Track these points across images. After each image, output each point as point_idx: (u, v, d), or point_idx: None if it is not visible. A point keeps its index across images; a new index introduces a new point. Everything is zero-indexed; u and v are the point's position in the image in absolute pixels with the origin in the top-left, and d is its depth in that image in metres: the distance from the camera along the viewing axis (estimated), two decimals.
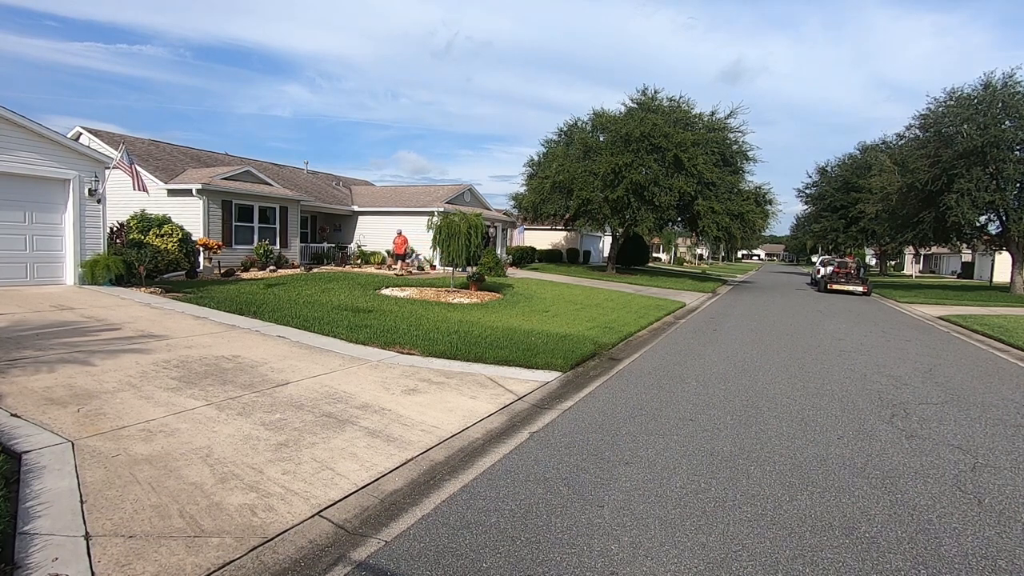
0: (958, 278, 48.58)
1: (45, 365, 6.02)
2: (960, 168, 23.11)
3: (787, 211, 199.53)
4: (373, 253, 24.76)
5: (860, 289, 25.81)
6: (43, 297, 10.29)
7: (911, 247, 40.98)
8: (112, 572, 2.75)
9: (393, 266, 21.66)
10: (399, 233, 21.61)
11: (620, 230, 31.02)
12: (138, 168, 14.20)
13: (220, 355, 7.09)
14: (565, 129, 31.82)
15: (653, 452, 4.73)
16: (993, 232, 27.12)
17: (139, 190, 14.08)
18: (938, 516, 3.73)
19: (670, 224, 32.80)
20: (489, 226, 27.02)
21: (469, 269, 19.74)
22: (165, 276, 15.09)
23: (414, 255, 24.67)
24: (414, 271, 22.51)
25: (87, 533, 3.06)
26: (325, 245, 24.75)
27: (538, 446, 4.81)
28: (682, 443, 4.98)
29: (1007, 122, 22.92)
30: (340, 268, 21.55)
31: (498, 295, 16.17)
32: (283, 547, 3.09)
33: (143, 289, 12.18)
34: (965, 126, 23.17)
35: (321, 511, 3.47)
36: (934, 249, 45.82)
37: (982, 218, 25.99)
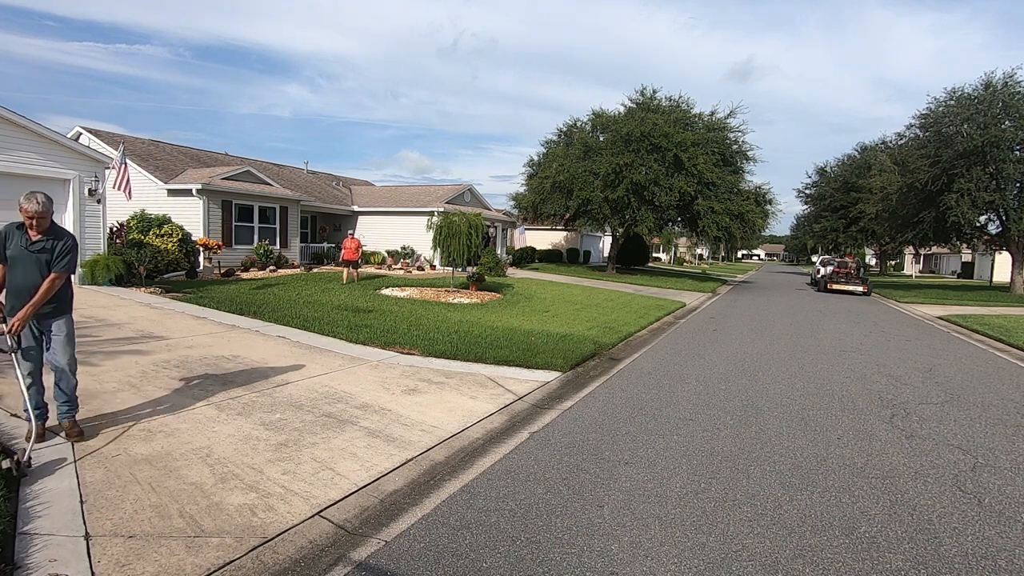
0: (958, 278, 48.57)
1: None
2: (960, 168, 23.10)
3: (787, 211, 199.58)
4: (373, 253, 24.76)
5: (860, 289, 25.80)
6: None
7: (911, 247, 40.99)
8: (112, 572, 2.75)
9: (351, 272, 16.87)
10: (350, 235, 17.87)
11: (620, 230, 31.01)
12: (131, 171, 14.08)
13: (220, 355, 7.09)
14: (565, 129, 31.78)
15: (653, 452, 4.73)
16: (993, 232, 27.10)
17: (121, 191, 13.87)
18: (938, 516, 3.73)
19: (670, 224, 32.76)
20: (489, 226, 27.01)
21: (469, 269, 19.75)
22: (165, 276, 15.09)
23: (414, 255, 24.68)
24: (413, 271, 22.50)
25: (87, 533, 3.06)
26: (325, 245, 24.77)
27: (538, 446, 4.81)
28: (682, 443, 4.98)
29: (1007, 122, 22.89)
30: (340, 268, 21.53)
31: (498, 295, 16.17)
32: (283, 547, 3.09)
33: (143, 289, 12.18)
34: (965, 126, 23.14)
35: (321, 511, 3.47)
36: (934, 249, 45.80)
37: (982, 218, 25.98)
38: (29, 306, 3.83)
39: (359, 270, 17.63)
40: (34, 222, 3.89)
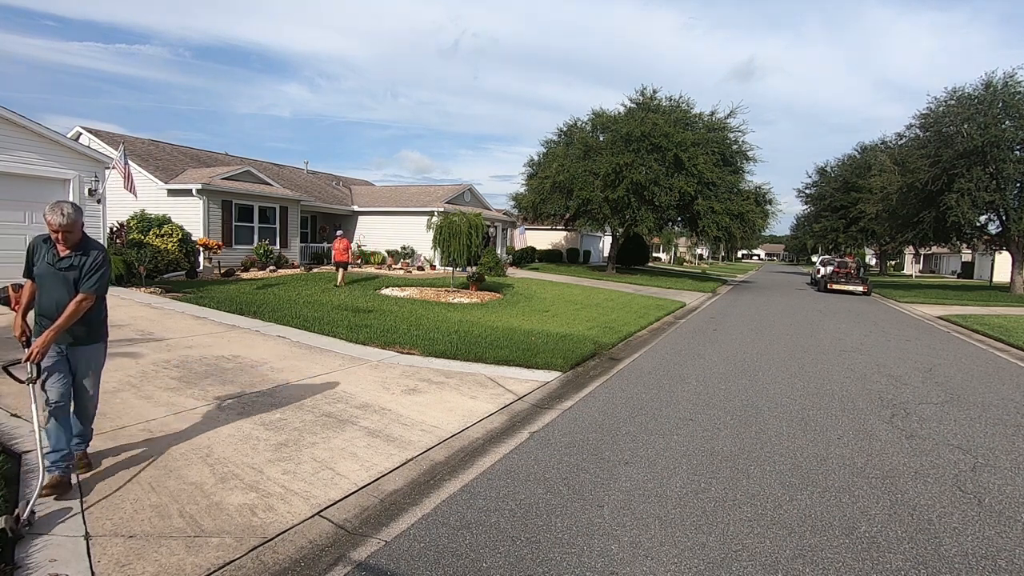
0: (958, 278, 48.56)
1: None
2: (960, 168, 23.09)
3: (787, 211, 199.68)
4: (373, 253, 24.78)
5: (860, 289, 25.79)
6: None
7: (911, 247, 40.97)
8: (112, 572, 2.75)
9: (339, 275, 16.14)
10: (339, 236, 17.00)
11: (620, 230, 31.00)
12: (132, 169, 14.26)
13: (220, 355, 7.09)
14: (565, 129, 31.78)
15: (653, 452, 4.73)
16: (993, 232, 27.08)
17: (129, 191, 14.10)
18: (938, 516, 3.73)
19: (670, 224, 32.77)
20: (489, 226, 27.00)
21: (469, 269, 19.75)
22: (165, 276, 15.09)
23: (414, 255, 24.68)
24: (413, 271, 22.50)
25: (87, 533, 3.07)
26: (325, 245, 24.74)
27: (538, 446, 4.81)
28: (682, 443, 4.98)
29: (1007, 122, 22.87)
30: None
31: (498, 295, 16.17)
32: (283, 547, 3.09)
33: (143, 289, 12.18)
34: (965, 126, 23.13)
35: (321, 511, 3.47)
36: (934, 249, 45.80)
37: (982, 218, 25.97)
38: (50, 330, 3.34)
39: (347, 271, 16.88)
40: (60, 236, 3.42)
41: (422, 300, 14.01)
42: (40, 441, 3.36)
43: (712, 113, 28.34)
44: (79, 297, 3.44)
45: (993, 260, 36.45)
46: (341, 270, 16.27)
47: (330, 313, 10.64)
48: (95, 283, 3.50)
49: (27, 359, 3.30)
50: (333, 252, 16.77)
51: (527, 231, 32.82)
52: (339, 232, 17.60)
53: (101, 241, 12.51)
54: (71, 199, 11.73)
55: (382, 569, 2.95)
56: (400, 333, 8.98)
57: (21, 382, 3.36)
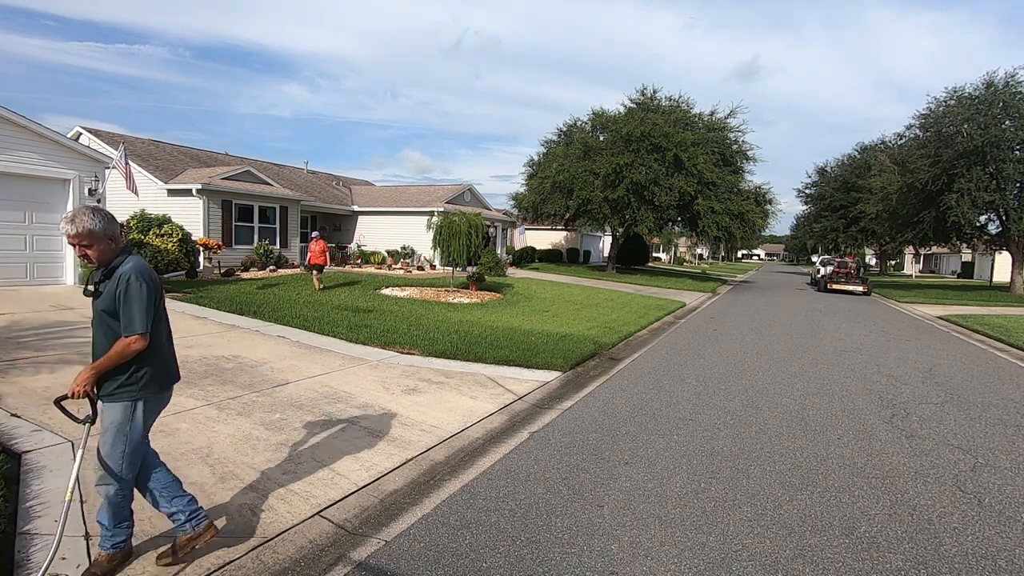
0: (958, 278, 48.56)
1: (45, 365, 6.02)
2: (960, 168, 23.09)
3: (787, 211, 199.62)
4: (373, 253, 24.78)
5: (860, 289, 25.80)
6: (43, 297, 10.29)
7: (911, 247, 40.97)
8: None
9: (318, 276, 14.79)
10: (315, 238, 15.41)
11: (620, 230, 31.00)
12: (132, 169, 14.28)
13: (220, 355, 7.09)
14: (565, 129, 31.78)
15: (653, 452, 4.73)
16: (993, 232, 27.08)
17: (130, 190, 14.13)
18: (938, 516, 3.73)
19: (670, 224, 32.77)
20: (489, 226, 26.99)
21: (469, 269, 19.75)
22: (165, 276, 15.08)
23: (414, 255, 24.68)
24: (414, 271, 22.50)
25: (87, 533, 3.06)
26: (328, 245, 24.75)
27: (538, 446, 4.81)
28: (682, 443, 4.98)
29: (1007, 122, 22.87)
30: (340, 268, 21.52)
31: (498, 295, 16.17)
32: (283, 547, 3.09)
33: None
34: (965, 126, 23.12)
35: (321, 511, 3.47)
36: (934, 249, 45.79)
37: (982, 218, 25.96)
38: (89, 368, 2.66)
39: (322, 273, 15.29)
40: (80, 252, 2.67)
41: (422, 300, 14.01)
42: (65, 512, 2.63)
43: (712, 113, 28.35)
44: (125, 341, 2.65)
45: (993, 260, 36.43)
46: (315, 272, 14.77)
47: (330, 313, 10.63)
48: (130, 320, 2.64)
49: (71, 395, 2.66)
50: (309, 254, 15.33)
51: (527, 231, 32.79)
52: (315, 233, 15.98)
53: None
54: (71, 199, 11.76)
55: (382, 569, 2.95)
56: (400, 333, 8.98)
57: (78, 421, 2.73)
